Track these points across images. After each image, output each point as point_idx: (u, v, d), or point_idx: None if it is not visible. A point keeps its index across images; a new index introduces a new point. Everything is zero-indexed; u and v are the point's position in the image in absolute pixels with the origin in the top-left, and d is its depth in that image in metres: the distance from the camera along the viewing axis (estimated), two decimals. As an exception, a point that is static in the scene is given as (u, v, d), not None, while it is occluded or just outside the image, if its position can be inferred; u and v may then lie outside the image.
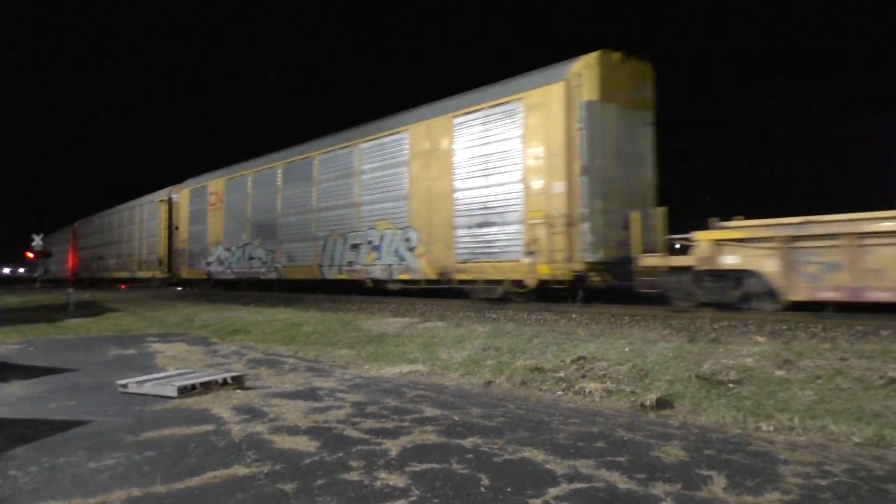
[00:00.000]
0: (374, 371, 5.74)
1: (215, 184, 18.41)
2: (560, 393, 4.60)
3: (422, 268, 10.96)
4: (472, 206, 10.10)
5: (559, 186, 8.85)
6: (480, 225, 9.95)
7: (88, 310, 13.63)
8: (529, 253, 9.10)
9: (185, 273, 20.16)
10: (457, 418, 3.83)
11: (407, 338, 7.40)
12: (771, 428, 3.53)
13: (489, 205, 9.80)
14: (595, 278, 8.80)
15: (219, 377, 4.89)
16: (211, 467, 2.91)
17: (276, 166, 15.61)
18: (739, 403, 3.94)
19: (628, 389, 4.42)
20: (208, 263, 18.48)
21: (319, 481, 2.71)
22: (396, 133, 11.86)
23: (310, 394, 4.64)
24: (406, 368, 5.71)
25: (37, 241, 33.58)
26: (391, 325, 8.45)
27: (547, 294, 9.54)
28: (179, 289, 21.20)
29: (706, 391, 4.24)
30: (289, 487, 2.64)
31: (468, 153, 10.30)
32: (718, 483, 2.63)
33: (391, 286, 11.91)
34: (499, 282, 9.72)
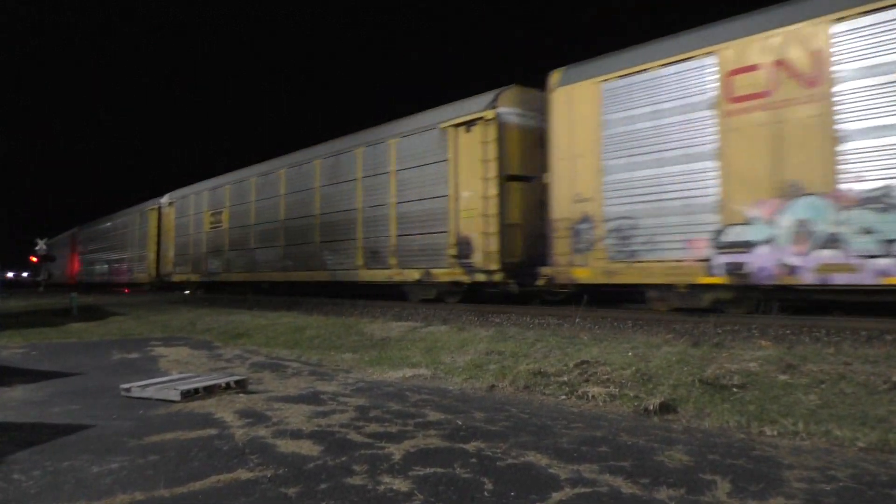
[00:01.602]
0: (377, 375, 5.74)
1: (766, 41, 6.77)
2: (563, 397, 4.59)
3: None
4: None
5: None
6: None
7: (92, 314, 13.67)
8: None
9: (582, 270, 8.42)
10: (460, 422, 3.82)
11: (410, 342, 7.40)
12: (775, 433, 3.52)
13: None
14: None
15: (222, 381, 4.90)
16: (214, 471, 2.91)
17: None
18: (743, 408, 3.93)
19: (632, 394, 4.41)
20: (744, 246, 6.90)
21: (323, 485, 2.71)
22: None
23: (313, 398, 4.64)
24: (409, 372, 5.71)
25: (41, 245, 33.69)
26: (394, 329, 8.45)
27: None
28: (186, 292, 20.69)
29: (710, 396, 4.23)
30: (292, 491, 2.64)
31: None
32: (722, 488, 2.62)
33: None
34: None
